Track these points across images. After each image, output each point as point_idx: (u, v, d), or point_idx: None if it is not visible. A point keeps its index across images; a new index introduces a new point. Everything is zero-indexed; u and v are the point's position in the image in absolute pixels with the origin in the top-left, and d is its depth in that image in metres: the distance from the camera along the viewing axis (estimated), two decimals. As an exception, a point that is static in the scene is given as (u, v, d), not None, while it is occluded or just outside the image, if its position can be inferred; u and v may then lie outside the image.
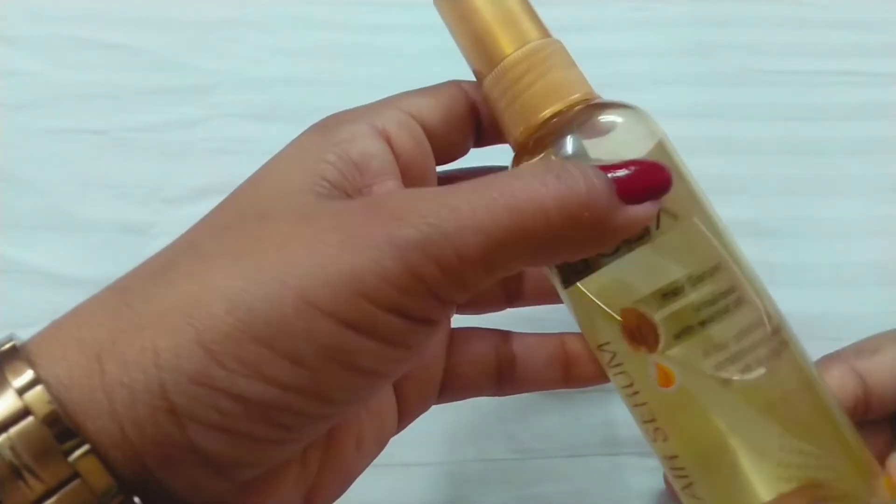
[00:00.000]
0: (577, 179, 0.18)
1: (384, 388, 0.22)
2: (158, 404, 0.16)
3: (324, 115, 0.22)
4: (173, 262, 0.18)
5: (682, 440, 0.22)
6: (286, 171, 0.20)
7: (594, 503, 0.30)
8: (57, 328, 0.17)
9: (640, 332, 0.21)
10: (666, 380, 0.21)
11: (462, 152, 0.24)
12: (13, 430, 0.16)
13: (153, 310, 0.17)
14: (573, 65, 0.22)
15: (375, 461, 0.23)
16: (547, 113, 0.21)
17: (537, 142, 0.21)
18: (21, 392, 0.16)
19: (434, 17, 0.23)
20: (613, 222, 0.18)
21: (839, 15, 0.42)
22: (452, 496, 0.31)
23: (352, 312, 0.16)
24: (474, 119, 0.23)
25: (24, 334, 0.18)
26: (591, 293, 0.21)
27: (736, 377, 0.20)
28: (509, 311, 0.27)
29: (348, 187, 0.20)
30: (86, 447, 0.16)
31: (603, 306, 0.21)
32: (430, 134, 0.22)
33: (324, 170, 0.20)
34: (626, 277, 0.21)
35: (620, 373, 0.22)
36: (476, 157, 0.24)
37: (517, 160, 0.22)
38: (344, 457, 0.21)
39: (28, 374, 0.16)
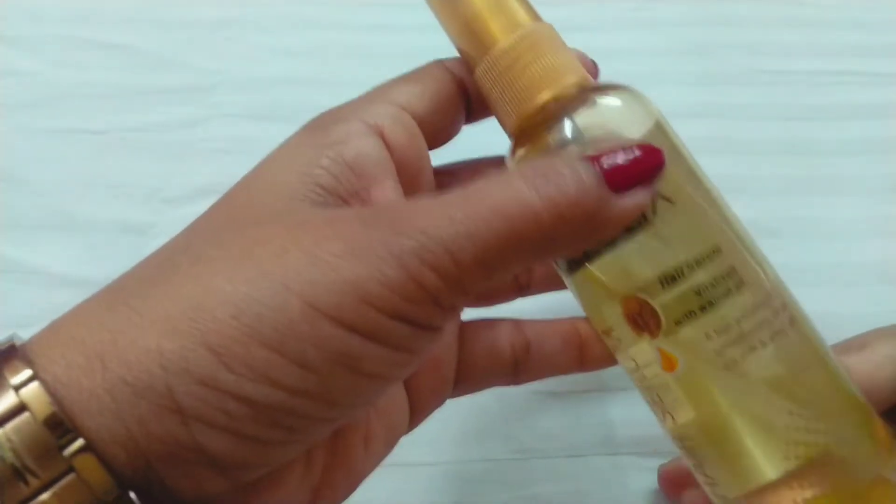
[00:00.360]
0: (565, 178, 0.18)
1: (388, 391, 0.22)
2: (164, 404, 0.16)
3: (323, 115, 0.22)
4: (172, 264, 0.18)
5: (690, 422, 0.21)
6: (280, 174, 0.20)
7: (594, 503, 0.30)
8: (56, 328, 0.17)
9: (641, 318, 0.21)
10: (669, 364, 0.21)
11: (454, 133, 0.24)
12: (9, 427, 0.16)
13: (154, 311, 0.17)
14: (566, 48, 0.22)
15: (376, 461, 0.23)
16: (542, 98, 0.21)
17: (534, 127, 0.21)
18: (18, 390, 0.16)
19: (434, 17, 0.23)
20: (606, 214, 0.18)
21: (839, 15, 0.42)
22: (452, 496, 0.31)
23: (358, 319, 0.17)
24: (463, 99, 0.23)
25: (24, 334, 0.18)
26: (593, 281, 0.21)
27: (740, 358, 0.20)
28: (514, 303, 0.27)
29: (343, 192, 0.20)
30: (80, 442, 0.16)
31: (604, 294, 0.21)
32: (422, 122, 0.22)
33: (318, 176, 0.20)
34: (626, 264, 0.21)
35: (627, 357, 0.22)
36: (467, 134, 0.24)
37: (515, 147, 0.22)
38: (352, 457, 0.21)
39: (26, 373, 0.16)
